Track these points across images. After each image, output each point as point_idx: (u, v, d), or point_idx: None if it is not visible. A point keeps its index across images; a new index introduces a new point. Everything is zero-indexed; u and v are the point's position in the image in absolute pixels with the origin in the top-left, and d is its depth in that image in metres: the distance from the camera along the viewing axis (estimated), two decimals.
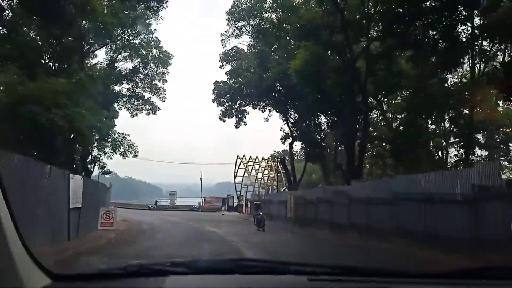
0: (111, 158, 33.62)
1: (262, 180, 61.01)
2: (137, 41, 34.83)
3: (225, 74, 41.92)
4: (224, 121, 42.59)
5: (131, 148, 32.76)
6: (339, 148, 37.44)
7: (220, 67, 42.66)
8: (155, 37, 35.41)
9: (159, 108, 37.83)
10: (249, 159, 62.69)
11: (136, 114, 37.81)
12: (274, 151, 65.64)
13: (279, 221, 33.96)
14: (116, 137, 31.87)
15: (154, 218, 43.95)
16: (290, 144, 41.61)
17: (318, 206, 26.22)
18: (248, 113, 42.91)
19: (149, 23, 34.15)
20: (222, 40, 37.91)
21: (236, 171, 64.88)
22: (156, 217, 45.08)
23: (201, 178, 70.12)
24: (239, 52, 42.88)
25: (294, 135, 40.04)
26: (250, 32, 35.43)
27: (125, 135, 33.18)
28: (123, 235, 23.67)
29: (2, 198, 1.40)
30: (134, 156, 33.52)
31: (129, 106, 37.46)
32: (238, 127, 43.06)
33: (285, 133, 41.17)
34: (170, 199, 70.30)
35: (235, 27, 36.17)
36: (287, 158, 47.14)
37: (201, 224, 32.50)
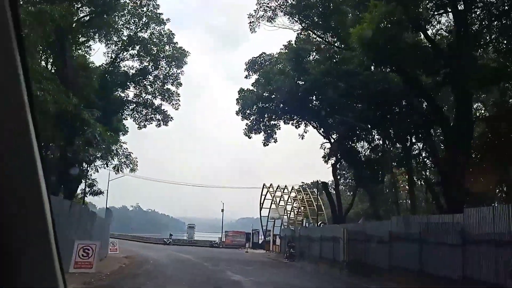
0: (97, 171, 25.65)
1: (292, 213, 51.67)
2: (146, 35, 27.47)
3: (252, 85, 34.04)
4: (250, 137, 34.37)
5: (128, 160, 24.71)
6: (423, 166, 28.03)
7: (246, 77, 34.86)
8: (168, 29, 28.00)
9: (171, 117, 30.00)
10: (277, 188, 53.69)
11: (145, 126, 30.21)
12: (303, 182, 56.52)
13: (324, 264, 24.65)
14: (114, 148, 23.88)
15: (164, 254, 35.34)
16: (334, 165, 32.74)
17: (392, 246, 17.05)
18: (280, 128, 34.54)
19: (159, 14, 26.87)
20: (250, 23, 29.55)
21: (262, 202, 55.87)
22: (167, 254, 36.44)
23: (222, 210, 61.30)
24: (268, 59, 35.10)
25: (338, 155, 31.22)
26: (288, 8, 27.07)
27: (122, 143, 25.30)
28: (100, 281, 15.29)
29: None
30: (132, 170, 25.56)
31: (136, 115, 29.72)
32: (267, 144, 34.72)
33: (328, 149, 32.34)
34: (187, 232, 61.31)
35: (267, 6, 27.87)
36: (330, 185, 38.05)
37: (220, 266, 23.78)
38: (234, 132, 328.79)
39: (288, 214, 51.17)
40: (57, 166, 21.60)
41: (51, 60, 22.95)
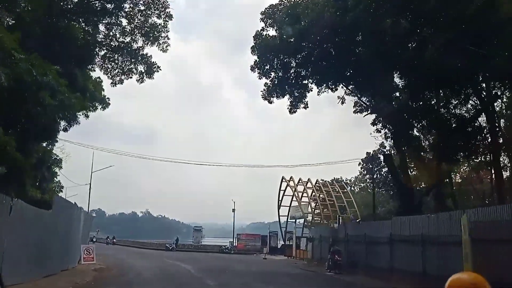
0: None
1: (318, 210, 41.27)
2: None
3: (275, 27, 24.05)
4: (270, 102, 24.34)
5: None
6: None
7: (262, 30, 24.72)
8: None
9: (159, 67, 20.10)
10: (298, 182, 43.37)
11: (121, 81, 20.28)
12: (322, 180, 46.08)
13: (405, 279, 14.21)
14: None
15: (157, 264, 25.58)
16: (397, 132, 22.35)
17: None
18: (311, 90, 24.46)
19: None
20: None
21: (280, 199, 45.55)
22: (161, 263, 26.57)
23: (233, 210, 51.15)
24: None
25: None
26: None
27: None
28: None
29: None
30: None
31: (109, 65, 19.87)
32: (294, 111, 24.69)
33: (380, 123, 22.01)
34: (194, 236, 51.06)
35: None
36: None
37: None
38: (245, 136, 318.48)
39: (313, 211, 40.75)
40: None
41: None
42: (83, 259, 25.11)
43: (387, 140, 26.46)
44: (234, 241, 48.75)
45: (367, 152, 57.36)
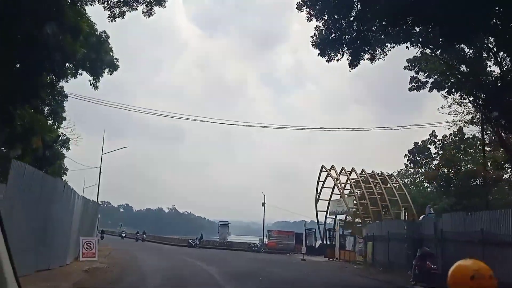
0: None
1: (364, 204, 34.44)
2: None
3: None
4: (324, 55, 17.83)
5: None
6: None
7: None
8: None
9: None
10: (341, 171, 36.71)
11: (122, 14, 14.52)
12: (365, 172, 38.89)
13: None
14: None
15: (172, 264, 19.91)
16: None
17: None
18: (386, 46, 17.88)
19: None
20: None
21: (319, 191, 38.99)
22: (179, 262, 20.83)
23: (263, 204, 44.82)
24: None
25: None
26: None
27: None
28: None
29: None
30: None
31: None
32: (355, 64, 18.04)
33: None
34: (219, 232, 45.10)
35: None
36: None
37: None
38: (270, 135, 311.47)
39: (357, 205, 33.98)
40: None
41: None
42: (82, 255, 19.63)
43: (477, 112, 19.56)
44: (265, 239, 42.55)
45: (414, 143, 50.09)
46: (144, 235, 50.95)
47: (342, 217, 37.22)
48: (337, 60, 19.33)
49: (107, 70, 22.68)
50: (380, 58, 19.38)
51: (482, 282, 1.55)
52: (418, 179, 49.09)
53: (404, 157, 49.46)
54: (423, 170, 49.91)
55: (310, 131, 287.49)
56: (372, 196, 34.34)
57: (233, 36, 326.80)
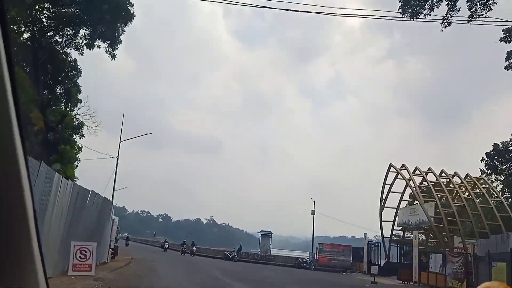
0: None
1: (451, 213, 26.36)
2: None
3: None
4: (413, 15, 11.31)
5: None
6: None
7: None
8: None
9: None
10: (414, 171, 28.86)
11: None
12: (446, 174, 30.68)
13: None
14: None
15: (196, 284, 12.82)
16: None
17: None
18: None
19: None
20: None
21: (384, 196, 31.21)
22: (207, 283, 13.94)
23: (313, 212, 37.36)
24: None
25: None
26: None
27: None
28: None
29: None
30: None
31: None
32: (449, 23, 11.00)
33: None
34: (261, 243, 37.90)
35: None
36: None
37: None
38: (307, 147, 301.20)
39: (440, 213, 25.93)
40: None
41: None
42: (73, 267, 13.65)
43: None
44: (315, 253, 35.06)
45: (494, 144, 41.30)
46: (194, 247, 38.80)
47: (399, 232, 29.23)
48: (425, 14, 13.36)
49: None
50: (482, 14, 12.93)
51: None
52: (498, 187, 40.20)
53: (481, 161, 40.75)
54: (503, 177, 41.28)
55: (348, 144, 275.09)
56: (458, 204, 26.26)
57: (272, 48, 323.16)
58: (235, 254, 36.52)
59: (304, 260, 34.36)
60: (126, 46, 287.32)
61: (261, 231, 38.28)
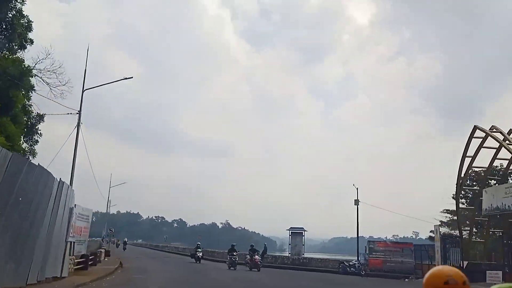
0: None
1: None
2: None
3: None
4: None
5: None
6: None
7: None
8: None
9: None
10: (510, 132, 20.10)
11: None
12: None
13: None
14: None
15: None
16: None
17: None
18: None
19: None
20: None
21: (464, 170, 22.47)
22: None
23: (356, 201, 28.73)
24: None
25: None
26: None
27: None
28: None
29: None
30: None
31: None
32: None
33: None
34: (292, 244, 29.03)
35: None
36: None
37: None
38: (319, 148, 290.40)
39: None
40: None
41: None
42: None
43: None
44: (365, 254, 26.34)
45: None
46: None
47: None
48: None
49: None
50: None
51: (455, 287, 1.50)
52: None
53: None
54: None
55: (360, 143, 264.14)
56: None
57: (281, 49, 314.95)
58: (260, 259, 28.18)
59: (351, 263, 25.76)
60: (133, 52, 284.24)
61: (291, 228, 29.73)
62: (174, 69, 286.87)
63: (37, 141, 18.30)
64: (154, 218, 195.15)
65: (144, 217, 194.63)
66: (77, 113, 14.45)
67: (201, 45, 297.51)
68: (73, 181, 14.77)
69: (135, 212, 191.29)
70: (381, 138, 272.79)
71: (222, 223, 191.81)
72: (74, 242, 14.04)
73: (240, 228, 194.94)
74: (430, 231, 32.36)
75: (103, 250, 19.99)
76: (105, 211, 52.12)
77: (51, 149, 17.27)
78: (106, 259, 22.97)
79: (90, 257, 17.55)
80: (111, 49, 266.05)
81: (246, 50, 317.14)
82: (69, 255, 13.54)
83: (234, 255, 24.68)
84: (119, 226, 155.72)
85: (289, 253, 30.30)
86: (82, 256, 15.59)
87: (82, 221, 15.40)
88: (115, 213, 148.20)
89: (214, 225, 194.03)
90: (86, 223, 15.89)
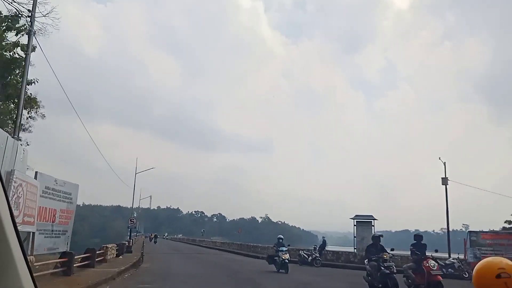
0: None
1: None
2: None
3: None
4: None
5: None
6: None
7: None
8: None
9: None
10: None
11: None
12: None
13: None
14: None
15: None
16: None
17: None
18: None
19: None
20: None
21: None
22: None
23: (444, 179, 21.32)
24: None
25: None
26: None
27: None
28: None
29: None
30: None
31: None
32: None
33: None
34: (358, 235, 21.46)
35: None
36: None
37: None
38: (363, 141, 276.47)
39: None
40: None
41: None
42: None
43: None
44: (474, 250, 19.05)
45: None
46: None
47: None
48: None
49: None
50: None
51: (508, 281, 1.35)
52: None
53: None
54: None
55: (405, 135, 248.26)
56: None
57: (318, 40, 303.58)
58: (317, 255, 21.64)
59: (449, 263, 18.58)
60: (170, 51, 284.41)
61: (356, 215, 22.78)
62: (210, 66, 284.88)
63: None
64: (193, 213, 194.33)
65: (184, 212, 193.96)
66: (28, 16, 8.68)
67: (237, 39, 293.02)
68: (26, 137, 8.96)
69: (175, 208, 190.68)
70: (427, 128, 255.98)
71: (261, 217, 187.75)
72: (33, 233, 8.24)
73: (280, 222, 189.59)
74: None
75: (110, 246, 14.51)
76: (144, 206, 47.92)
77: None
78: (121, 257, 17.42)
79: (86, 255, 11.92)
80: (150, 48, 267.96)
81: (283, 42, 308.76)
82: (27, 254, 7.83)
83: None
84: (159, 221, 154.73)
85: (354, 249, 23.45)
86: (62, 255, 9.86)
87: (58, 201, 9.60)
88: (155, 208, 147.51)
89: (253, 219, 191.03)
90: (66, 204, 10.08)
